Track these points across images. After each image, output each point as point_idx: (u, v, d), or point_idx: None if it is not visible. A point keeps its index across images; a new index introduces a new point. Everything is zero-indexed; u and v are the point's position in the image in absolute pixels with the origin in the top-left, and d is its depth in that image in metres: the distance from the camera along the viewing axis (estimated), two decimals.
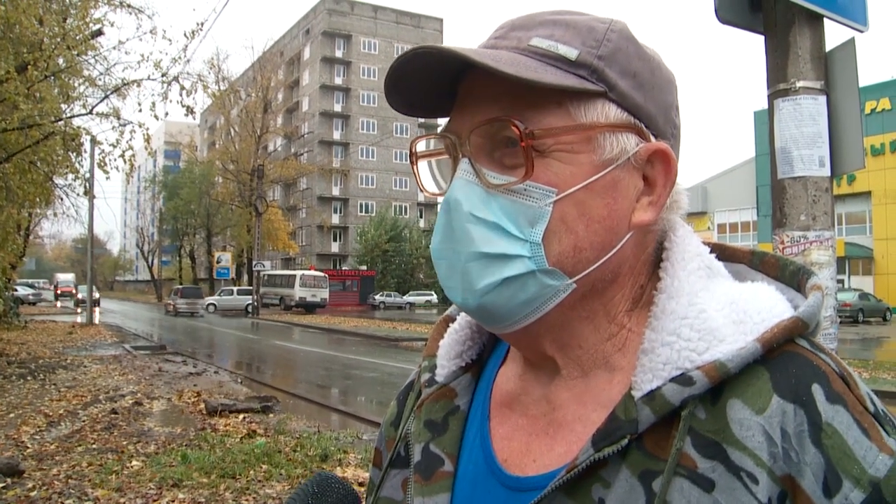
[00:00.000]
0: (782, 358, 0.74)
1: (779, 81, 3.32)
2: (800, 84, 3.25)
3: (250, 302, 49.45)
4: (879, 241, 45.67)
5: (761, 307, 0.78)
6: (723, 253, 0.89)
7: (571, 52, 0.79)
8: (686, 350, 0.76)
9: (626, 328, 0.84)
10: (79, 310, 47.31)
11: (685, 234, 0.85)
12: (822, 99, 3.25)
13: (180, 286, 57.33)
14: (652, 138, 0.82)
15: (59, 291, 74.82)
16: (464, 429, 0.93)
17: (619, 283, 0.83)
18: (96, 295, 50.06)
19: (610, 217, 0.79)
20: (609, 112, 0.79)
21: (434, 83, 0.83)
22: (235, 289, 55.61)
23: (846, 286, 42.54)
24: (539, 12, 0.85)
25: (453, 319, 1.04)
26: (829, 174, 3.26)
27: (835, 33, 3.38)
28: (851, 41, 3.26)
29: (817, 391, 0.71)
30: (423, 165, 0.92)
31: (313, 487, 0.95)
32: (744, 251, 0.90)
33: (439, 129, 0.86)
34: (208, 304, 52.46)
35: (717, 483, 0.70)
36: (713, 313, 0.78)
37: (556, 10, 0.84)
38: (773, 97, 3.36)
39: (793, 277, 0.85)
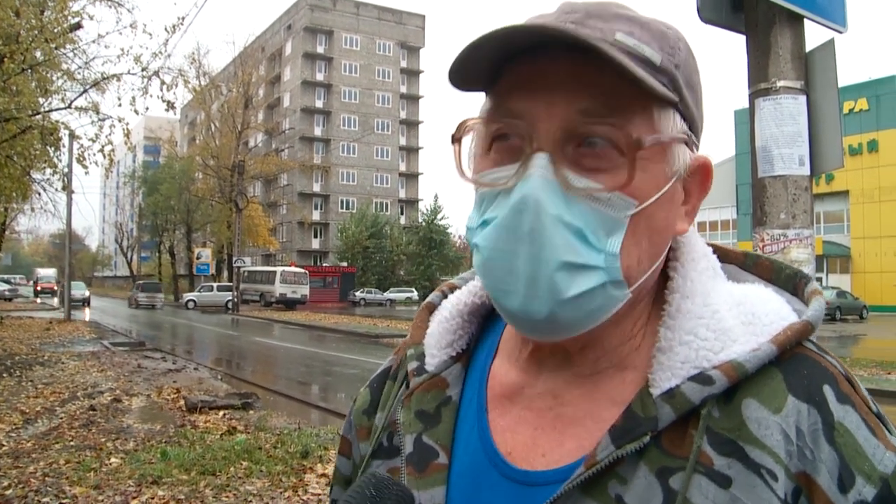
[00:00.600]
0: (794, 360, 0.77)
1: (760, 81, 3.35)
2: (780, 83, 3.28)
3: (230, 298, 49.38)
4: (857, 239, 46.23)
5: (769, 310, 0.80)
6: (717, 254, 0.90)
7: (656, 56, 0.75)
8: (703, 350, 0.78)
9: (641, 328, 0.85)
10: (60, 307, 44.10)
11: (692, 235, 0.86)
12: (802, 98, 3.29)
13: (141, 281, 60.62)
14: (696, 150, 0.83)
15: (39, 287, 72.89)
16: (456, 420, 0.91)
17: (653, 288, 0.85)
18: (86, 293, 53.42)
19: (667, 228, 0.80)
20: (677, 123, 0.78)
21: (494, 60, 0.77)
22: (215, 285, 55.22)
23: (824, 284, 43.00)
24: (606, 2, 0.79)
25: (436, 307, 1.02)
26: (808, 173, 3.30)
27: (815, 34, 3.42)
28: (831, 42, 3.30)
29: (828, 392, 0.74)
30: (466, 142, 0.84)
31: (370, 490, 0.87)
32: (736, 252, 0.92)
33: (497, 112, 0.79)
34: (188, 301, 52.64)
35: (735, 480, 0.72)
36: (725, 314, 0.80)
37: (615, 1, 0.80)
38: (753, 96, 3.39)
39: (788, 281, 0.87)
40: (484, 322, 0.99)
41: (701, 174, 0.84)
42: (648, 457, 0.75)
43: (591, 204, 0.73)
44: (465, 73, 0.78)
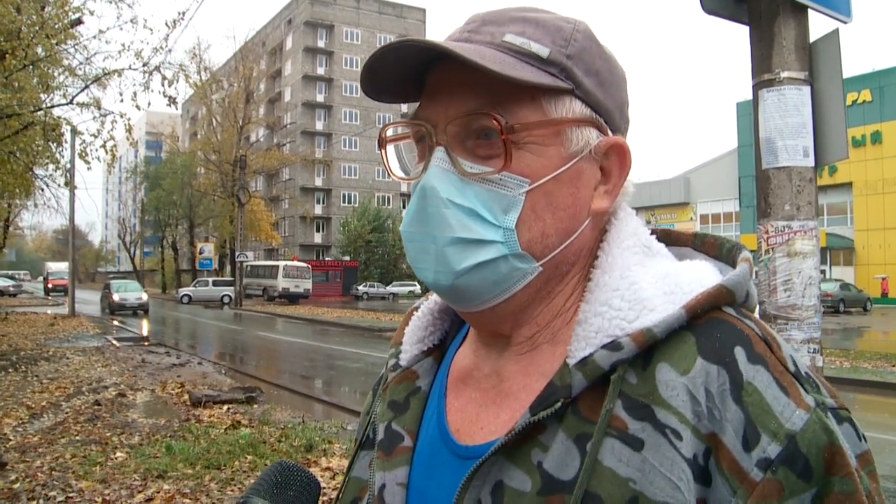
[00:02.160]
0: (708, 324, 0.79)
1: (763, 72, 3.34)
2: (784, 75, 3.27)
3: (227, 293, 49.86)
4: (860, 231, 46.16)
5: (691, 279, 0.83)
6: (668, 237, 0.96)
7: (543, 51, 0.84)
8: (617, 319, 0.81)
9: (574, 304, 0.89)
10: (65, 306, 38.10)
11: (624, 217, 0.92)
12: (807, 89, 3.28)
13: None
14: (609, 132, 0.89)
15: (50, 284, 66.22)
16: (424, 407, 0.98)
17: (579, 264, 0.90)
18: (142, 296, 38.69)
19: (574, 205, 0.86)
20: (575, 108, 0.85)
21: (404, 71, 0.87)
22: (211, 280, 55.23)
23: (827, 276, 42.93)
24: (507, 8, 0.89)
25: (417, 309, 1.10)
26: (813, 164, 3.29)
27: (819, 24, 3.41)
28: (835, 32, 3.28)
29: (739, 353, 0.76)
30: (391, 150, 0.95)
31: (276, 477, 0.98)
32: (687, 235, 0.96)
33: (410, 116, 0.91)
34: (183, 296, 52.65)
35: (646, 442, 0.75)
36: (644, 285, 0.83)
37: (522, 6, 0.90)
38: (757, 88, 3.38)
39: (728, 254, 0.90)
40: (459, 319, 1.06)
41: (616, 154, 0.89)
42: (567, 423, 0.80)
43: (485, 186, 0.83)
44: (381, 86, 0.90)
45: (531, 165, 0.83)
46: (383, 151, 0.95)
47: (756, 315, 0.84)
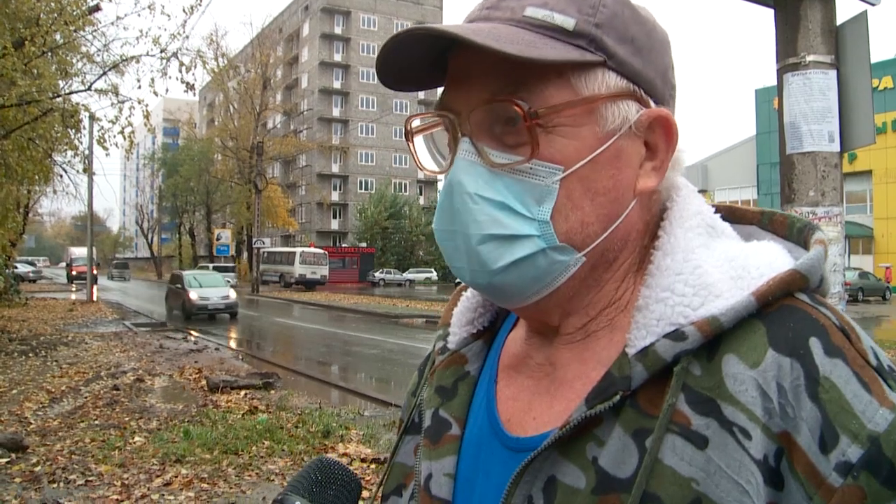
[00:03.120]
0: (780, 312, 0.72)
1: (788, 55, 3.28)
2: (810, 58, 3.22)
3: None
4: (879, 220, 45.67)
5: (760, 262, 0.76)
6: (733, 215, 0.89)
7: (568, 22, 0.77)
8: (680, 306, 0.75)
9: (629, 289, 0.83)
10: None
11: (687, 194, 0.85)
12: (833, 73, 3.22)
13: (115, 261, 69.75)
14: (651, 103, 0.81)
15: (74, 272, 59.64)
16: (473, 393, 0.93)
17: (629, 248, 0.83)
18: (230, 295, 27.84)
19: (615, 188, 0.79)
20: (609, 81, 0.78)
21: (424, 56, 0.81)
22: (212, 265, 55.76)
23: (846, 265, 42.57)
24: None
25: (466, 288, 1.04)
26: (838, 150, 3.24)
27: (846, 7, 3.34)
28: (863, 15, 3.22)
29: (815, 344, 0.69)
30: (419, 142, 0.90)
31: (316, 475, 0.94)
32: (754, 212, 0.88)
33: (435, 106, 0.84)
34: None
35: (711, 440, 0.69)
36: (710, 269, 0.76)
37: None
38: (782, 71, 3.32)
39: (799, 235, 0.83)
40: None
41: (661, 127, 0.81)
42: (624, 417, 0.74)
43: (516, 177, 0.77)
44: (400, 77, 0.85)
45: (563, 150, 0.76)
46: (411, 144, 0.89)
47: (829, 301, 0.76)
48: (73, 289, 51.21)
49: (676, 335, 0.73)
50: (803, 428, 0.66)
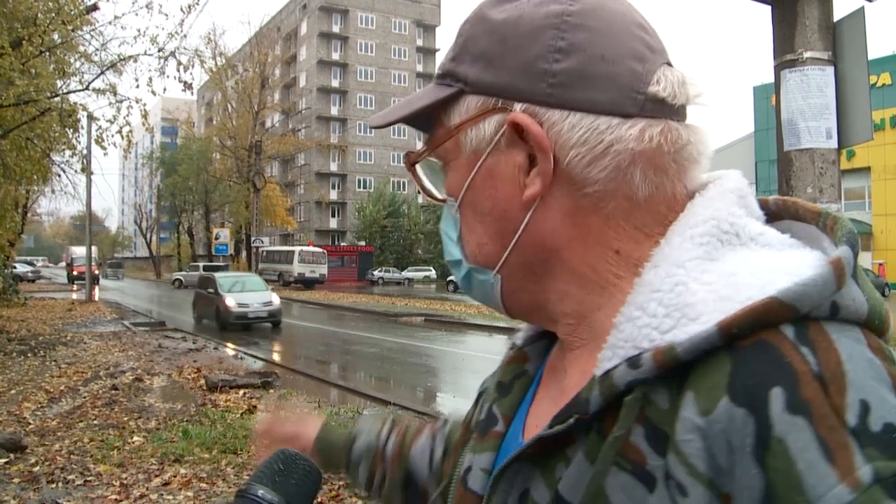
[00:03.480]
0: (753, 349, 0.60)
1: (786, 52, 3.28)
2: (807, 55, 3.21)
3: None
4: (878, 216, 45.70)
5: (755, 281, 0.64)
6: (797, 213, 0.77)
7: (443, 67, 0.82)
8: (648, 328, 0.68)
9: (596, 298, 0.77)
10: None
11: (712, 194, 0.74)
12: (830, 70, 3.22)
13: (110, 260, 70.92)
14: (517, 107, 0.74)
15: (75, 272, 56.47)
16: (525, 393, 0.93)
17: (570, 255, 0.76)
18: (272, 300, 23.73)
19: (496, 206, 0.78)
20: (469, 105, 0.78)
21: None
22: (202, 265, 57.39)
23: None
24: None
25: None
26: (836, 146, 3.23)
27: (843, 3, 3.32)
28: (860, 11, 3.22)
29: (776, 396, 0.57)
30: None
31: (278, 465, 0.99)
32: (813, 211, 0.75)
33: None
34: (175, 279, 55.54)
35: (657, 485, 0.62)
36: (695, 286, 0.67)
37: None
38: (779, 68, 3.32)
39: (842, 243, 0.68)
40: None
41: (525, 131, 0.74)
42: (589, 441, 0.69)
43: (448, 211, 0.84)
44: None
45: (451, 183, 0.82)
46: (413, 172, 0.93)
47: (860, 335, 0.62)
48: (74, 289, 49.01)
49: (633, 361, 0.67)
50: (744, 496, 0.57)
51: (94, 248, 67.37)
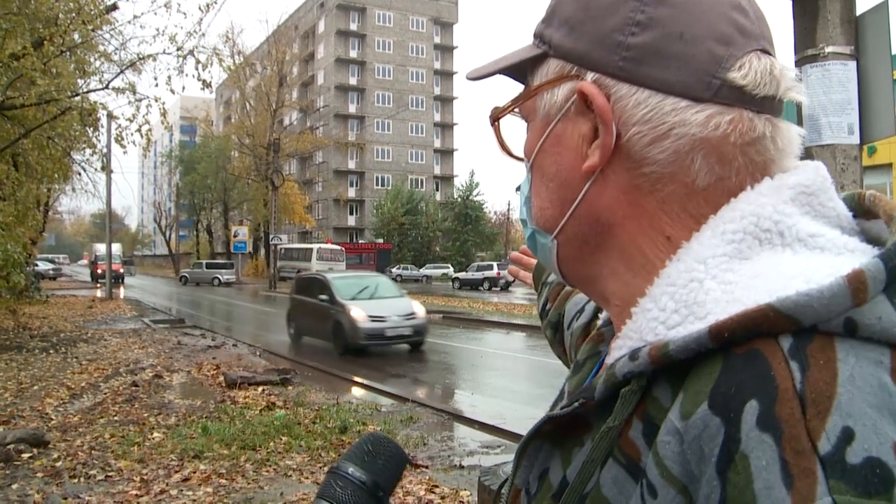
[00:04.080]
0: (743, 358, 0.58)
1: (807, 47, 3.24)
2: (829, 49, 3.18)
3: (216, 275, 54.32)
4: None
5: (775, 286, 0.61)
6: (874, 207, 0.71)
7: (537, 29, 0.82)
8: (656, 321, 0.67)
9: (634, 282, 0.75)
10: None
11: (764, 189, 0.69)
12: (852, 65, 3.18)
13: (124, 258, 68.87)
14: (589, 77, 0.73)
15: (99, 269, 52.46)
16: (591, 373, 0.92)
17: (622, 233, 0.75)
18: (416, 313, 17.16)
19: (559, 173, 0.77)
20: (549, 69, 0.78)
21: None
22: (205, 262, 60.46)
23: None
24: None
25: None
26: (858, 142, 3.20)
27: None
28: (884, 4, 3.18)
29: (750, 410, 0.54)
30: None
31: (367, 446, 1.04)
32: (889, 212, 0.68)
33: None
34: (181, 276, 58.76)
35: (641, 483, 0.61)
36: (710, 284, 0.65)
37: None
38: (800, 63, 3.29)
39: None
40: None
41: (589, 101, 0.72)
42: (596, 430, 0.69)
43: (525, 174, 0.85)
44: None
45: (527, 143, 0.82)
46: (496, 128, 0.92)
47: (883, 357, 0.57)
48: (98, 287, 47.05)
49: (633, 353, 0.66)
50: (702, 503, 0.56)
51: (118, 246, 68.70)
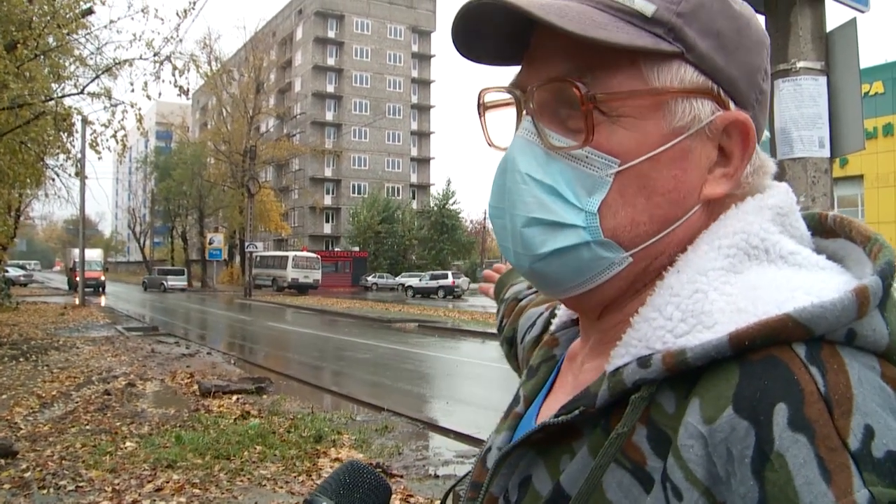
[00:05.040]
0: (762, 363, 0.61)
1: (779, 62, 3.30)
2: (800, 65, 3.23)
3: (162, 280, 56.80)
4: (871, 224, 45.38)
5: (773, 298, 0.65)
6: (849, 230, 0.76)
7: (648, 8, 0.72)
8: (662, 330, 0.69)
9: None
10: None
11: (748, 208, 0.74)
12: (823, 80, 3.24)
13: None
14: (732, 105, 0.74)
15: (76, 276, 42.29)
16: (548, 377, 0.94)
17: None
18: None
19: (677, 189, 0.73)
20: (685, 75, 0.73)
21: (506, 31, 0.78)
22: (157, 269, 63.93)
23: None
24: None
25: None
26: (828, 155, 3.25)
27: (836, 14, 3.35)
28: (852, 22, 3.24)
29: (780, 412, 0.57)
30: (490, 117, 0.86)
31: (345, 477, 0.96)
32: (865, 233, 0.74)
33: (509, 83, 0.82)
34: (143, 281, 61.60)
35: (654, 487, 0.63)
36: (714, 295, 0.68)
37: None
38: (773, 77, 3.33)
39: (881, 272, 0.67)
40: None
41: (738, 132, 0.74)
42: (593, 437, 0.71)
43: (570, 163, 0.73)
44: (477, 50, 0.82)
45: (623, 142, 0.72)
46: (482, 119, 0.85)
47: (875, 363, 0.62)
48: (77, 299, 39.03)
49: (644, 361, 0.68)
50: None
51: (98, 251, 67.75)
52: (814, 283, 0.66)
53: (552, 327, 1.01)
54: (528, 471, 0.78)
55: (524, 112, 0.77)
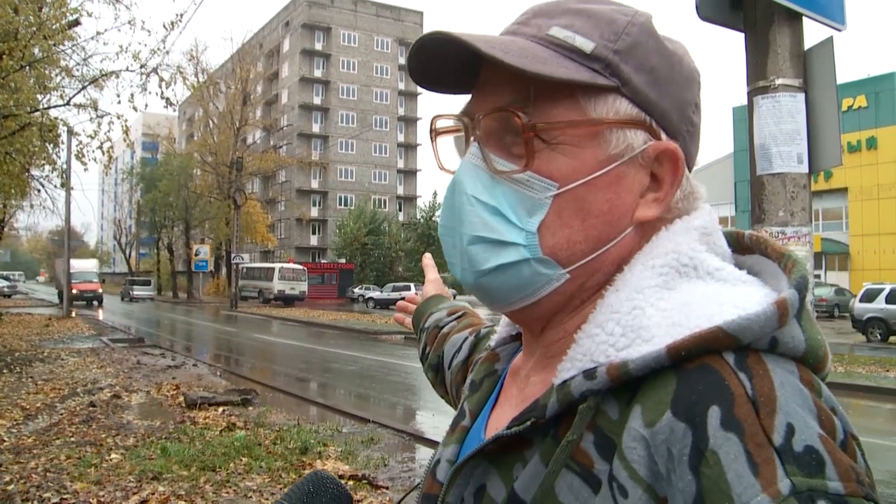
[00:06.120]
0: (696, 371, 0.67)
1: (758, 79, 3.36)
2: (779, 82, 3.30)
3: (130, 290, 60.06)
4: (855, 237, 46.25)
5: (704, 312, 0.71)
6: (765, 250, 0.83)
7: (587, 45, 0.78)
8: (605, 344, 0.74)
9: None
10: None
11: (677, 230, 0.81)
12: (801, 97, 3.30)
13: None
14: (663, 136, 0.81)
15: (75, 290, 42.29)
16: (492, 391, 0.99)
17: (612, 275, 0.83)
18: None
19: (610, 212, 0.79)
20: (620, 107, 0.79)
21: (458, 64, 0.84)
22: (128, 279, 67.05)
23: (822, 281, 43.03)
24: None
25: None
26: (807, 171, 3.32)
27: (814, 32, 3.44)
28: (830, 40, 3.32)
29: (713, 414, 0.63)
30: (442, 142, 0.92)
31: (308, 487, 1.01)
32: (779, 251, 0.81)
33: (459, 111, 0.88)
34: (121, 291, 64.05)
35: (602, 487, 0.69)
36: (650, 311, 0.74)
37: None
38: (752, 94, 3.41)
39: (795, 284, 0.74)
40: None
41: (669, 160, 0.81)
42: (544, 445, 0.76)
43: (513, 186, 0.79)
44: (432, 79, 0.88)
45: (561, 168, 0.78)
46: (434, 143, 0.91)
47: (794, 368, 0.68)
48: (74, 315, 35.57)
49: (589, 373, 0.73)
50: (678, 499, 0.63)
51: (93, 262, 67.20)
52: (739, 297, 0.72)
53: (492, 343, 1.06)
54: (483, 480, 0.83)
55: (472, 138, 0.84)
